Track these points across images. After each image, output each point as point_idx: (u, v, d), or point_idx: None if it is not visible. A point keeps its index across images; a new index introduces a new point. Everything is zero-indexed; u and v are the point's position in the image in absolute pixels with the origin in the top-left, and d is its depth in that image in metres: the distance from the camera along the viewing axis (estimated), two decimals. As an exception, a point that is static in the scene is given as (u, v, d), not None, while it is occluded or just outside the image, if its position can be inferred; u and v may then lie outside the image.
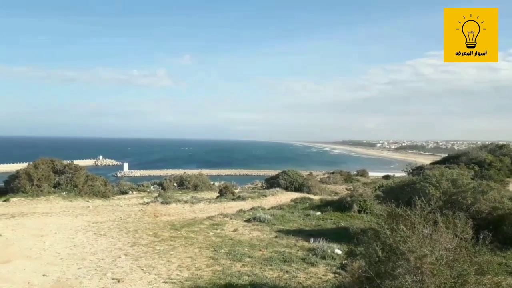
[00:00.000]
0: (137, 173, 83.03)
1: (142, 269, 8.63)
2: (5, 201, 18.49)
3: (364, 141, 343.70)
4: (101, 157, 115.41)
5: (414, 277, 4.61)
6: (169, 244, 10.96)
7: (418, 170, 31.74)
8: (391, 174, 49.76)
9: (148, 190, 25.22)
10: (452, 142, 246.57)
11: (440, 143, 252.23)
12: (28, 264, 8.75)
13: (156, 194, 22.01)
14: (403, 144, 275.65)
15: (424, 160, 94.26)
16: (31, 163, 21.74)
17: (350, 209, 16.69)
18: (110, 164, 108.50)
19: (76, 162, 27.04)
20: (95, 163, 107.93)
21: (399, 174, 46.22)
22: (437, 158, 71.10)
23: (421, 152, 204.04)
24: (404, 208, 5.67)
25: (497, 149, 53.62)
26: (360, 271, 5.26)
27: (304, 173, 38.95)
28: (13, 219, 13.89)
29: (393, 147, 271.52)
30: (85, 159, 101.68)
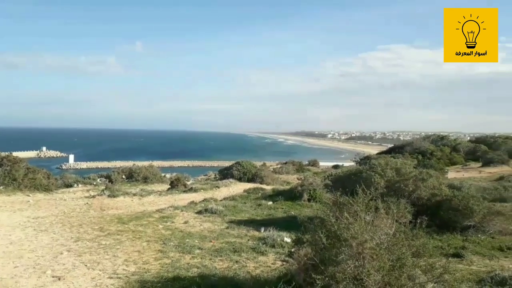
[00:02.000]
0: (84, 165, 79.49)
1: (86, 265, 8.26)
2: None
3: (316, 132, 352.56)
4: (44, 148, 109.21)
5: (356, 262, 4.75)
6: (116, 238, 10.58)
7: (365, 159, 33.04)
8: (340, 163, 51.45)
9: (94, 183, 24.17)
10: (398, 133, 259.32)
11: (387, 134, 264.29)
12: (-43, 265, 8.08)
13: (103, 187, 21.15)
14: (353, 135, 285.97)
15: (372, 150, 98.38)
16: (-37, 155, 20.04)
17: (301, 198, 17.08)
18: (55, 156, 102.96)
19: (16, 154, 25.30)
20: (38, 155, 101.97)
21: (348, 163, 47.92)
22: (384, 148, 74.61)
23: (369, 142, 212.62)
24: (349, 196, 5.83)
25: (439, 140, 57.24)
26: (306, 258, 5.35)
27: (258, 163, 39.21)
28: None
29: (343, 137, 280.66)
30: (27, 151, 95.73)
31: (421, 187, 11.47)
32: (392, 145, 71.07)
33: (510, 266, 8.23)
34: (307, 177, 22.46)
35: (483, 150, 47.05)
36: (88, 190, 21.07)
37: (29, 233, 10.91)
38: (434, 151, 46.05)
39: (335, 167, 42.97)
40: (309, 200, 16.78)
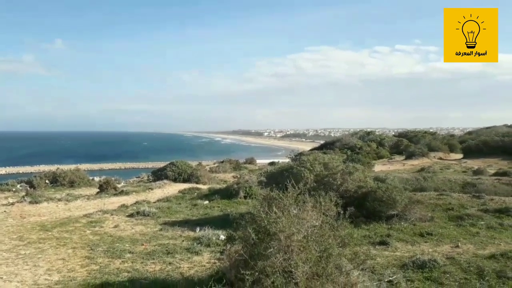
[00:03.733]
0: (2, 170, 72.79)
1: (1, 278, 7.57)
2: None
3: (253, 131, 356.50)
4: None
5: (285, 255, 4.86)
6: (37, 247, 9.82)
7: (299, 156, 34.05)
8: (276, 160, 52.54)
9: (14, 189, 22.21)
10: (329, 130, 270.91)
11: (319, 131, 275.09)
12: None
13: (23, 193, 19.51)
14: (288, 133, 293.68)
15: (306, 146, 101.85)
16: None
17: (237, 196, 17.15)
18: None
19: None
20: None
21: (283, 160, 49.05)
22: (317, 145, 77.60)
23: (303, 139, 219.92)
24: (280, 191, 5.95)
25: (366, 136, 60.76)
26: (236, 255, 5.37)
27: (194, 163, 38.70)
28: None
29: (279, 135, 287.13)
30: None
31: (348, 180, 12.06)
32: (324, 141, 74.28)
33: (430, 250, 8.93)
34: (243, 175, 22.64)
35: (405, 144, 50.84)
36: (6, 197, 19.33)
37: None
38: (362, 146, 48.85)
39: (271, 164, 43.75)
40: (245, 197, 16.91)
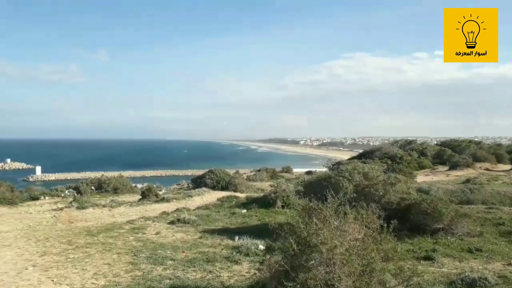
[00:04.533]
0: (52, 176, 76.83)
1: (52, 280, 7.97)
2: None
3: (289, 139, 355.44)
4: (9, 160, 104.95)
5: (327, 268, 4.81)
6: (85, 251, 10.27)
7: (337, 165, 33.55)
8: (313, 169, 52.03)
9: (62, 195, 23.39)
10: (367, 138, 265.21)
11: (357, 140, 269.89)
12: None
13: (71, 199, 20.50)
14: (324, 141, 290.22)
15: (343, 155, 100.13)
16: None
17: (274, 205, 17.13)
18: (20, 167, 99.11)
19: (-24, 167, 24.19)
20: (2, 167, 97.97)
21: (320, 169, 48.50)
22: (355, 154, 76.15)
23: (341, 148, 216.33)
24: (319, 201, 5.90)
25: (407, 145, 58.93)
26: (277, 265, 5.36)
27: (231, 171, 39.06)
28: None
29: (315, 144, 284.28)
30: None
31: (390, 192, 11.74)
32: (362, 150, 72.68)
33: (479, 267, 8.47)
34: (280, 183, 22.58)
35: (448, 154, 48.77)
36: (55, 203, 20.37)
37: (-9, 249, 10.43)
38: (403, 155, 47.36)
39: (308, 173, 43.40)
40: (282, 207, 16.86)
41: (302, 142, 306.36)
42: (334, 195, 5.94)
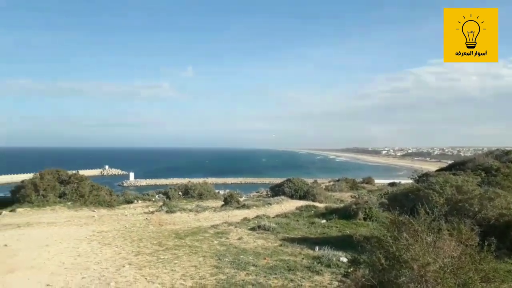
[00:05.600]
0: (143, 182, 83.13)
1: (146, 278, 8.60)
2: (11, 211, 18.59)
3: (370, 149, 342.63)
4: (107, 166, 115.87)
5: (418, 286, 4.55)
6: (173, 253, 10.93)
7: (424, 177, 31.48)
8: (397, 181, 49.45)
9: (153, 199, 25.26)
10: (458, 149, 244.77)
11: (446, 150, 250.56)
12: (32, 274, 8.76)
13: (161, 203, 22.02)
14: (409, 151, 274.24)
15: (430, 166, 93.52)
16: (37, 173, 21.88)
17: (356, 216, 16.61)
18: (116, 173, 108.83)
19: (82, 172, 27.19)
20: (101, 172, 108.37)
21: (405, 181, 45.89)
22: (444, 165, 70.56)
23: (427, 159, 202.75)
24: (408, 215, 5.63)
25: (504, 155, 53.08)
26: (363, 279, 5.21)
27: (309, 181, 38.81)
28: (19, 229, 13.95)
29: (398, 154, 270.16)
30: (91, 169, 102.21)
31: (487, 207, 10.72)
32: (452, 161, 67.10)
33: None
34: (361, 195, 21.85)
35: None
36: (147, 206, 22.03)
37: (94, 246, 11.60)
38: (500, 167, 42.80)
39: (392, 184, 41.32)
40: (364, 219, 16.29)
41: (384, 152, 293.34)
42: (425, 210, 5.61)
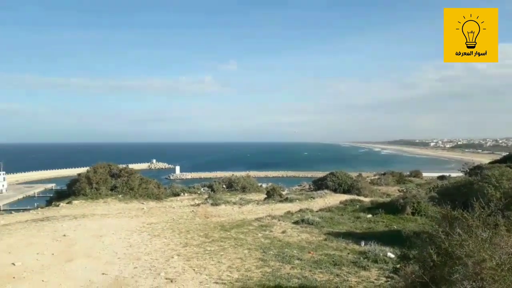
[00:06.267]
0: (188, 175, 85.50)
1: (194, 270, 8.86)
2: (68, 203, 19.80)
3: (417, 140, 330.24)
4: (154, 160, 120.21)
5: (473, 283, 4.36)
6: (220, 245, 11.18)
7: (476, 169, 29.91)
8: (446, 174, 47.34)
9: (198, 192, 25.92)
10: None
11: (500, 141, 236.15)
12: (88, 263, 9.30)
13: (206, 196, 22.55)
14: (459, 143, 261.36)
15: (483, 159, 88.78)
16: (90, 167, 23.10)
17: (403, 211, 16.12)
18: (163, 167, 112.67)
19: (131, 166, 28.40)
20: (149, 166, 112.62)
21: (455, 174, 43.86)
22: (497, 157, 66.61)
23: (479, 150, 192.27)
24: (461, 210, 5.39)
25: None
26: (413, 276, 5.06)
27: (353, 174, 38.07)
28: (75, 220, 14.83)
29: (447, 146, 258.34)
30: (140, 163, 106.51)
31: (549, 202, 10.00)
32: (507, 153, 63.17)
33: None
34: (409, 188, 21.15)
35: None
36: (193, 199, 22.65)
37: (144, 238, 12.10)
38: None
39: (441, 178, 39.61)
40: (412, 213, 15.77)
41: (432, 144, 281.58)
42: (480, 204, 5.34)
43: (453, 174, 45.01)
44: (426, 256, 5.01)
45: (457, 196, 11.91)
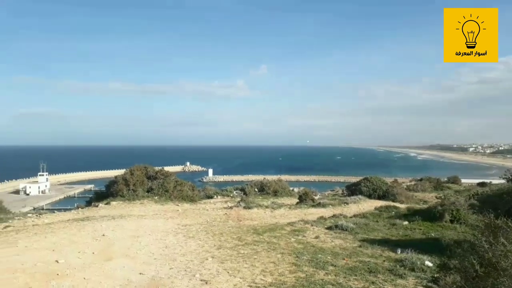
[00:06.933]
0: (221, 178, 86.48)
1: (228, 272, 8.95)
2: (106, 204, 20.53)
3: (455, 146, 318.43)
4: (188, 163, 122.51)
5: (520, 296, 4.19)
6: (253, 248, 11.22)
7: (521, 177, 28.42)
8: (487, 181, 45.33)
9: (231, 195, 26.16)
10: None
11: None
12: (126, 263, 9.60)
13: (238, 199, 22.72)
14: (500, 148, 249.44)
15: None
16: (128, 169, 23.85)
17: (441, 218, 15.61)
18: (197, 170, 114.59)
19: (166, 168, 29.00)
20: (183, 169, 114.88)
21: (497, 181, 41.91)
22: (545, 163, 63.15)
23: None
24: (504, 219, 5.18)
25: None
26: (454, 286, 4.92)
27: (388, 180, 37.21)
28: (114, 221, 15.35)
29: (488, 151, 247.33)
30: (174, 165, 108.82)
31: None
32: (556, 159, 59.82)
33: None
34: (448, 195, 20.45)
35: None
36: (226, 202, 22.88)
37: (180, 239, 12.36)
38: None
39: (481, 184, 37.97)
40: (451, 221, 15.23)
41: (471, 149, 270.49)
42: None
43: (495, 181, 43.03)
44: (468, 266, 4.85)
45: (500, 204, 11.40)
